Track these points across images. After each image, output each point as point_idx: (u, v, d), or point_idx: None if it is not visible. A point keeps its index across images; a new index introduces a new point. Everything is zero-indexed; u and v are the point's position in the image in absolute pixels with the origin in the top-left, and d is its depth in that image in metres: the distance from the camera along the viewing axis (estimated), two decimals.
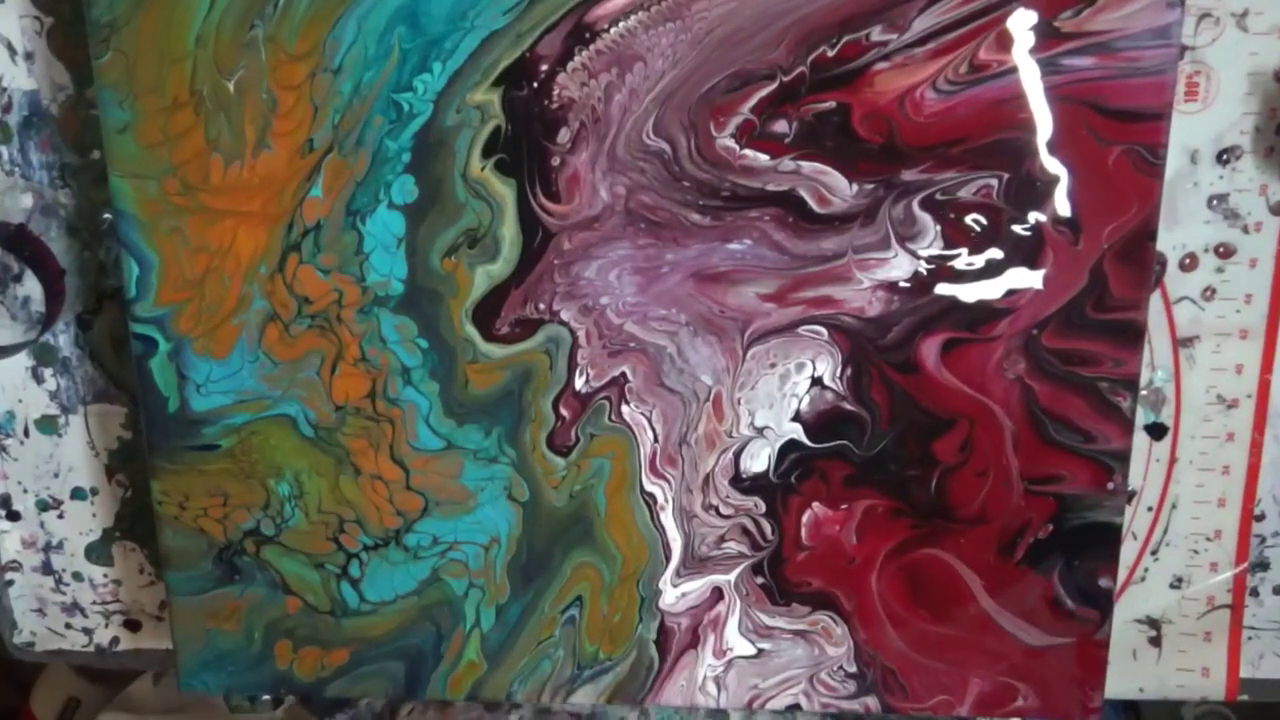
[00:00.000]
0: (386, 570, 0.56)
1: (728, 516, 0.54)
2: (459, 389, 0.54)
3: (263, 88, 0.50)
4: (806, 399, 0.53)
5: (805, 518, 0.54)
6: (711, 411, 0.53)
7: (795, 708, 0.57)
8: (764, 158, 0.50)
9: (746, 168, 0.50)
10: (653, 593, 0.56)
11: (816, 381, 0.52)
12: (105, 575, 0.64)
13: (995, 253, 0.50)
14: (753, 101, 0.49)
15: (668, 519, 0.55)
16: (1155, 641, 0.60)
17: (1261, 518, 0.57)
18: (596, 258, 0.51)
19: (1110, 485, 0.52)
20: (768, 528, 0.54)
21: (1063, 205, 0.49)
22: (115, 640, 0.66)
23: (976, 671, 0.55)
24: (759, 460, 0.54)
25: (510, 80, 0.49)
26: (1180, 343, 0.55)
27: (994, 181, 0.49)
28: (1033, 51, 0.47)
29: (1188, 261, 0.54)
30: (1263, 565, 0.58)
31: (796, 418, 0.53)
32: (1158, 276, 0.54)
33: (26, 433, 0.61)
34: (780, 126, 0.49)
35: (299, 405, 0.54)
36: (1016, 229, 0.50)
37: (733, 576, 0.55)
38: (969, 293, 0.50)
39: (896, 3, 0.47)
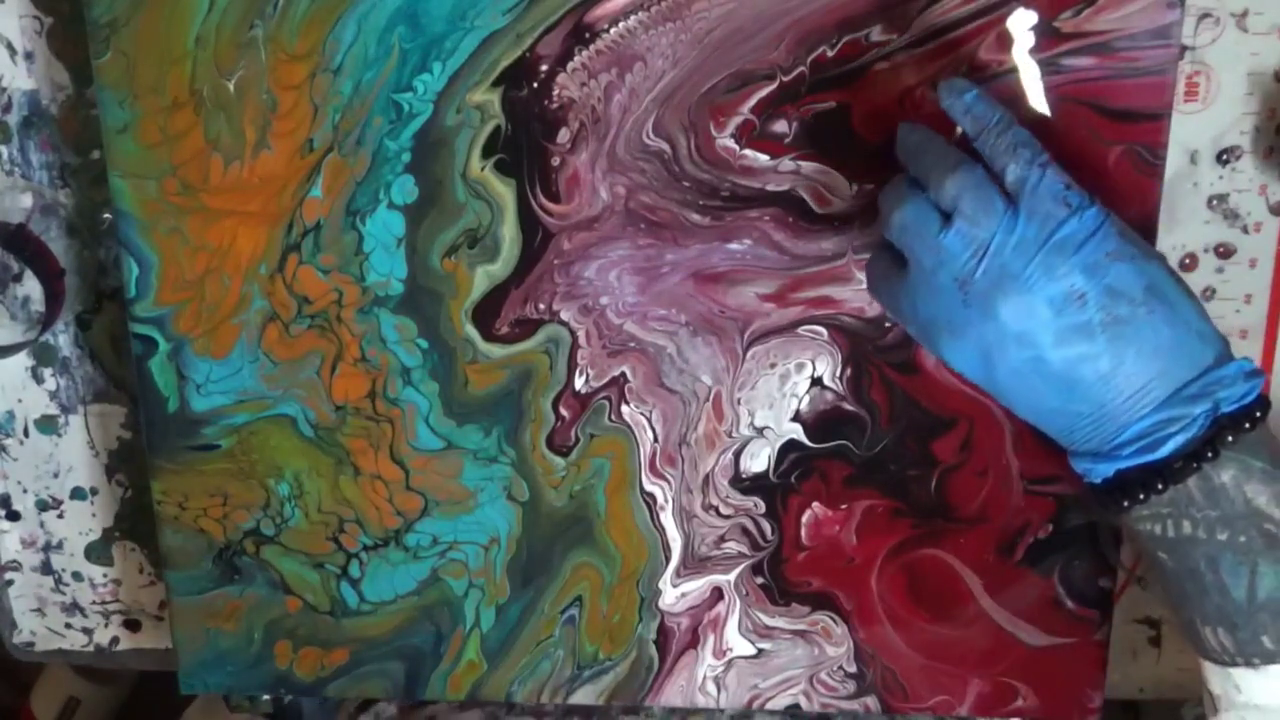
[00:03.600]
0: (386, 570, 0.56)
1: (728, 516, 0.54)
2: (459, 389, 0.54)
3: (263, 88, 0.50)
4: (806, 399, 0.53)
5: (805, 518, 0.54)
6: (711, 411, 0.53)
7: (795, 708, 0.57)
8: (764, 158, 0.50)
9: (746, 168, 0.50)
10: (653, 593, 0.56)
11: (816, 381, 0.52)
12: (105, 575, 0.64)
13: None
14: (753, 101, 0.49)
15: (668, 519, 0.55)
16: (1155, 641, 0.60)
17: None
18: (596, 258, 0.51)
19: None
20: (767, 528, 0.54)
21: None
22: (115, 640, 0.66)
23: (976, 671, 0.55)
24: (759, 460, 0.54)
25: (510, 80, 0.49)
26: None
27: None
28: (1033, 51, 0.47)
29: (1188, 261, 0.54)
30: None
31: (796, 418, 0.53)
32: None
33: (26, 433, 0.61)
34: (780, 126, 0.49)
35: (299, 405, 0.54)
36: None
37: (733, 576, 0.55)
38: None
39: (896, 3, 0.47)
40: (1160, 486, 0.41)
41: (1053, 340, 0.41)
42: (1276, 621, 0.41)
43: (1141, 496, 0.42)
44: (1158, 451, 0.41)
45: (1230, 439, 0.40)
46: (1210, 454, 0.40)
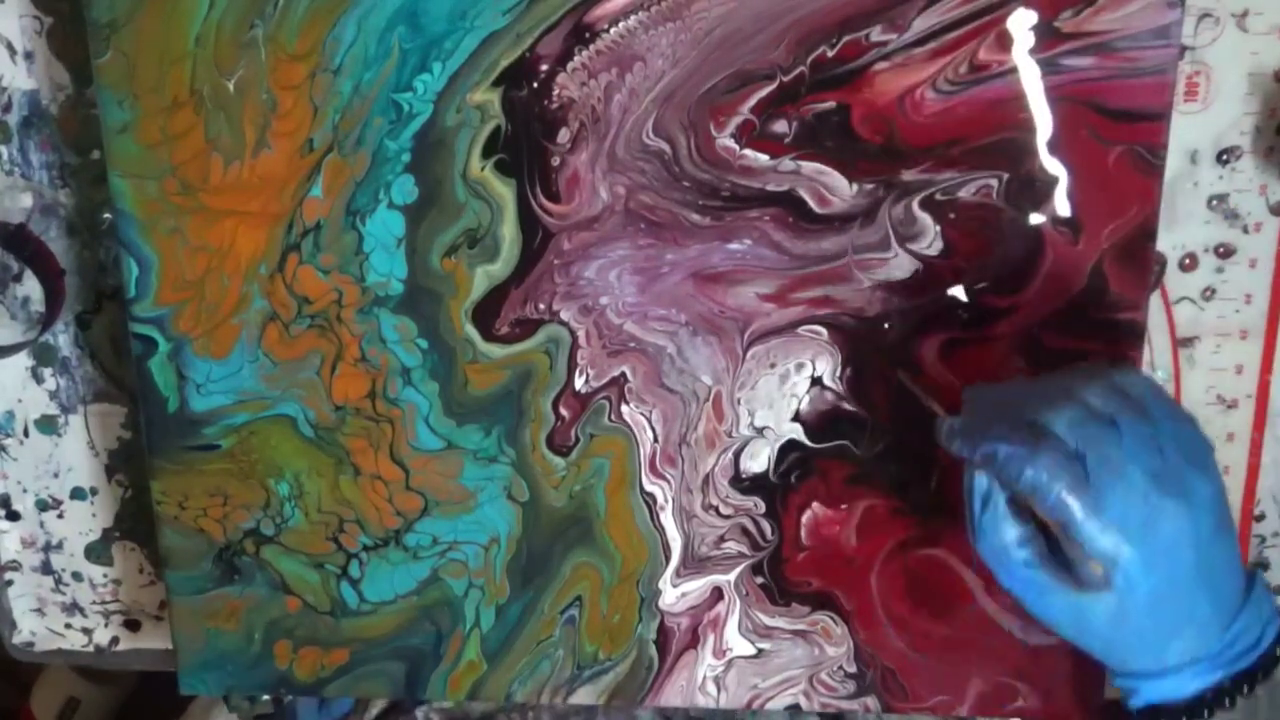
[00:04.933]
0: (386, 570, 0.56)
1: (727, 516, 0.54)
2: (459, 389, 0.54)
3: (263, 88, 0.50)
4: (806, 399, 0.53)
5: (805, 518, 0.54)
6: (711, 411, 0.53)
7: (795, 708, 0.57)
8: (764, 158, 0.50)
9: (746, 168, 0.50)
10: (652, 593, 0.56)
11: (816, 381, 0.52)
12: (105, 575, 0.64)
13: (995, 253, 0.50)
14: (753, 101, 0.49)
15: (667, 519, 0.55)
16: None
17: (1261, 518, 0.57)
18: (596, 258, 0.51)
19: None
20: (767, 528, 0.54)
21: (1063, 205, 0.49)
22: (115, 640, 0.66)
23: (976, 671, 0.55)
24: (759, 460, 0.54)
25: (510, 80, 0.49)
26: (1180, 343, 0.55)
27: (994, 181, 0.49)
28: (1033, 51, 0.47)
29: (1188, 261, 0.54)
30: (1262, 565, 0.58)
31: (796, 418, 0.53)
32: (1158, 276, 0.54)
33: (26, 433, 0.61)
34: (780, 126, 0.49)
35: (299, 405, 0.54)
36: (1016, 229, 0.50)
37: (732, 576, 0.55)
38: (969, 293, 0.50)
39: (896, 3, 0.47)
40: (1247, 689, 0.42)
41: (1209, 534, 0.42)
42: None
43: (1229, 702, 0.43)
44: (1257, 650, 0.43)
45: None
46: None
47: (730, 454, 0.54)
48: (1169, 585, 0.41)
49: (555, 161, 0.50)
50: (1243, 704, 0.42)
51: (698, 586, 0.55)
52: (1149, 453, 0.41)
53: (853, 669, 0.56)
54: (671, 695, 0.57)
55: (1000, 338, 0.51)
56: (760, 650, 0.56)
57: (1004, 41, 0.47)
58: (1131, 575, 0.41)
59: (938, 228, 0.50)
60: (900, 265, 0.50)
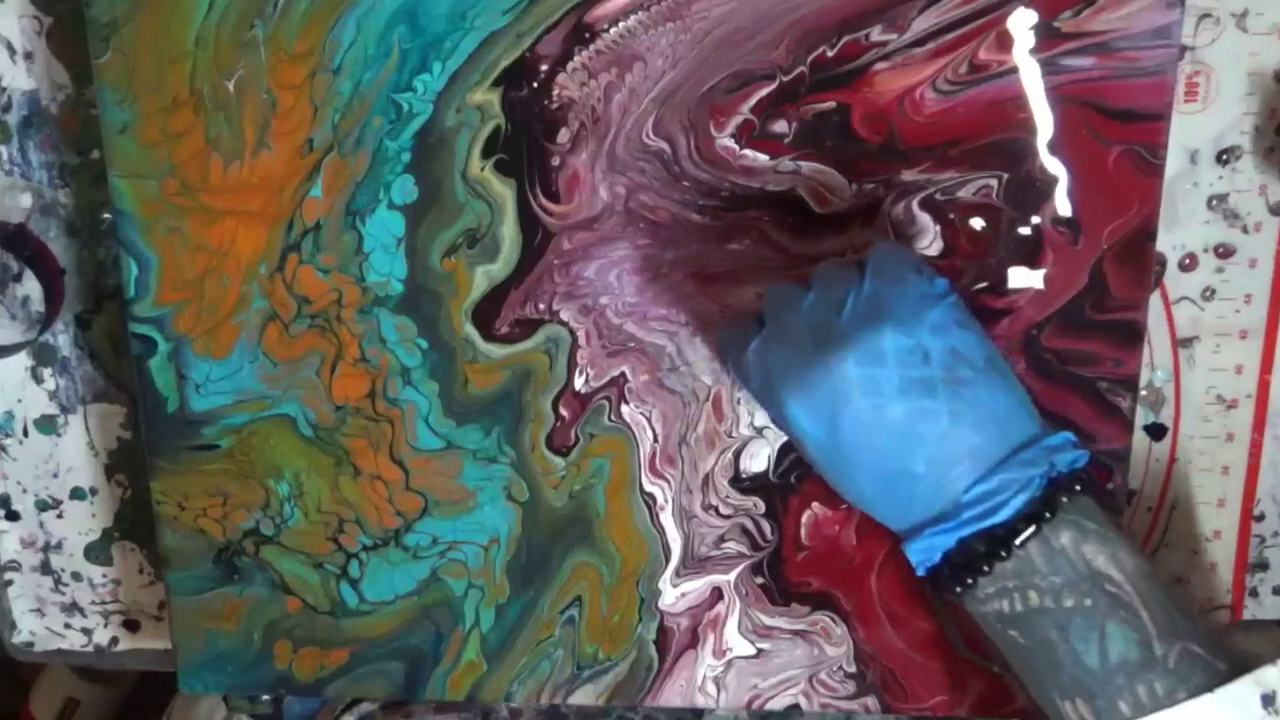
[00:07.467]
0: (386, 570, 0.56)
1: (727, 516, 0.54)
2: (459, 389, 0.54)
3: (263, 88, 0.50)
4: None
5: (805, 518, 0.54)
6: (711, 411, 0.53)
7: (795, 708, 0.57)
8: (764, 158, 0.50)
9: (746, 168, 0.50)
10: (652, 593, 0.56)
11: None
12: (104, 575, 0.64)
13: (995, 253, 0.50)
14: (752, 101, 0.49)
15: (667, 519, 0.55)
16: None
17: (1261, 518, 0.57)
18: (596, 258, 0.51)
19: (1110, 485, 0.52)
20: (767, 528, 0.54)
21: (1063, 205, 0.49)
22: (114, 640, 0.66)
23: (976, 671, 0.55)
24: (759, 460, 0.54)
25: (510, 80, 0.49)
26: (1180, 343, 0.55)
27: (994, 181, 0.49)
28: (1033, 51, 0.47)
29: (1187, 262, 0.54)
30: (1262, 565, 0.58)
31: None
32: (1157, 276, 0.54)
33: (26, 433, 0.61)
34: (780, 126, 0.49)
35: (299, 405, 0.54)
36: (1016, 229, 0.50)
37: (732, 576, 0.55)
38: (969, 293, 0.50)
39: (896, 3, 0.47)
40: (1004, 554, 0.41)
41: (896, 389, 0.41)
42: (1131, 685, 0.40)
43: (986, 568, 0.41)
44: (999, 514, 0.41)
45: (1065, 500, 0.41)
46: (1048, 514, 0.41)
47: (730, 454, 0.54)
48: (853, 436, 0.41)
49: (555, 161, 0.50)
50: (1014, 568, 0.41)
51: (697, 586, 0.55)
52: (825, 310, 0.43)
53: (853, 669, 0.56)
54: (671, 695, 0.57)
55: (999, 338, 0.51)
56: (760, 650, 0.56)
57: (1004, 41, 0.47)
58: (798, 421, 0.42)
59: (938, 228, 0.50)
60: None
